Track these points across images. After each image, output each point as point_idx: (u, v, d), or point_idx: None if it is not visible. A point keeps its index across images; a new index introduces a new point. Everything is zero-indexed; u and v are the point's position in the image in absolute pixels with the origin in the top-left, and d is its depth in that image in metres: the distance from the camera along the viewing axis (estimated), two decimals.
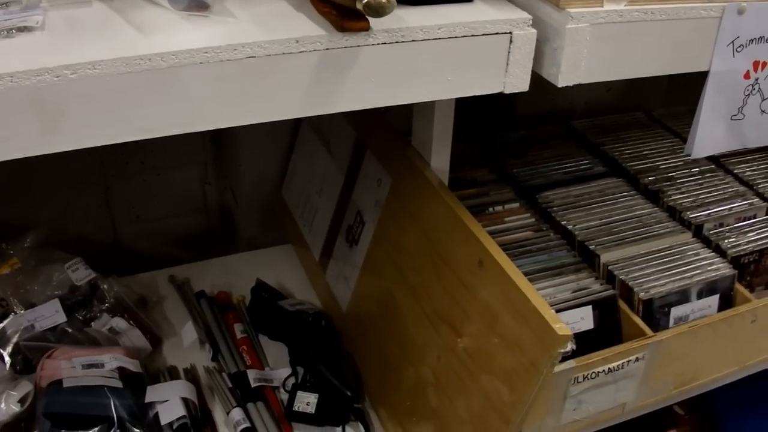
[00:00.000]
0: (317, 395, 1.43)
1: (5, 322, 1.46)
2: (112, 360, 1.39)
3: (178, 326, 1.61)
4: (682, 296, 1.35)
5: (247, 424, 1.39)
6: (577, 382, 1.19)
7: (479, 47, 0.93)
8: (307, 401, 1.42)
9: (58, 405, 1.31)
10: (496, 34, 0.94)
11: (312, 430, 1.43)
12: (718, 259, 1.41)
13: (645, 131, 1.82)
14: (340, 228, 1.56)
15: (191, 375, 1.51)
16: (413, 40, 0.89)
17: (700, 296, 1.36)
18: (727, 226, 1.51)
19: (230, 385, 1.47)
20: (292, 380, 1.49)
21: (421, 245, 1.28)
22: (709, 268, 1.39)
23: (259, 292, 1.62)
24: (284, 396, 1.47)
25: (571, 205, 1.51)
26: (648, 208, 1.52)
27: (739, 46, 1.13)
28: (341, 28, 0.85)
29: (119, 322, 1.52)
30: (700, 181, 1.62)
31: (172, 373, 1.50)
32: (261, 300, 1.61)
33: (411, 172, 1.32)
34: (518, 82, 0.98)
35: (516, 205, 1.48)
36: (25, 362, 1.42)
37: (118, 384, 1.36)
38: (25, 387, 1.35)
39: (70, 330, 1.47)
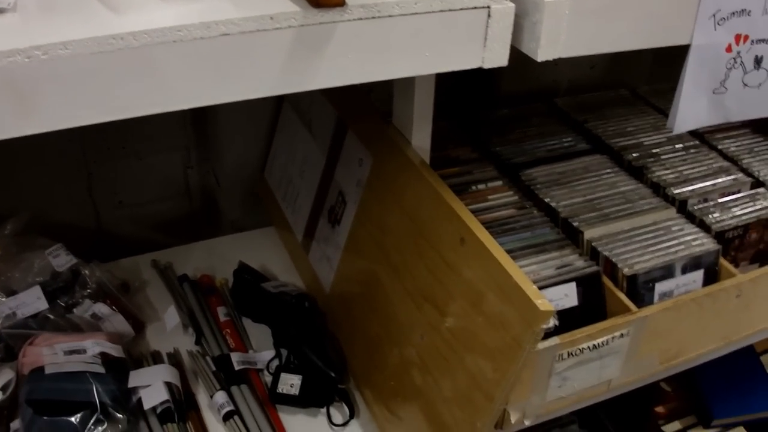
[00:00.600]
0: (301, 377, 1.42)
1: None
2: (94, 345, 1.38)
3: (161, 311, 1.61)
4: (667, 272, 1.34)
5: (231, 407, 1.39)
6: (562, 359, 1.19)
7: (457, 22, 0.92)
8: (291, 383, 1.42)
9: (41, 392, 1.31)
10: (474, 8, 0.92)
11: (296, 411, 1.43)
12: (702, 234, 1.40)
13: (629, 108, 1.81)
14: (322, 209, 1.55)
15: (175, 359, 1.51)
16: (390, 16, 0.88)
17: (684, 272, 1.36)
18: (711, 201, 1.50)
19: (214, 369, 1.47)
20: (275, 362, 1.49)
21: (403, 224, 1.27)
22: (694, 244, 1.38)
23: (242, 274, 1.61)
24: (268, 378, 1.46)
25: (555, 183, 1.50)
26: (632, 185, 1.51)
27: (721, 19, 1.12)
28: (316, 4, 0.83)
29: (101, 308, 1.51)
30: (684, 157, 1.62)
31: (156, 358, 1.50)
32: (244, 282, 1.61)
33: (392, 151, 1.31)
34: (497, 57, 0.97)
35: (499, 183, 1.48)
36: (7, 350, 1.42)
37: (101, 369, 1.35)
38: (7, 374, 1.35)
39: (51, 317, 1.47)
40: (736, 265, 1.46)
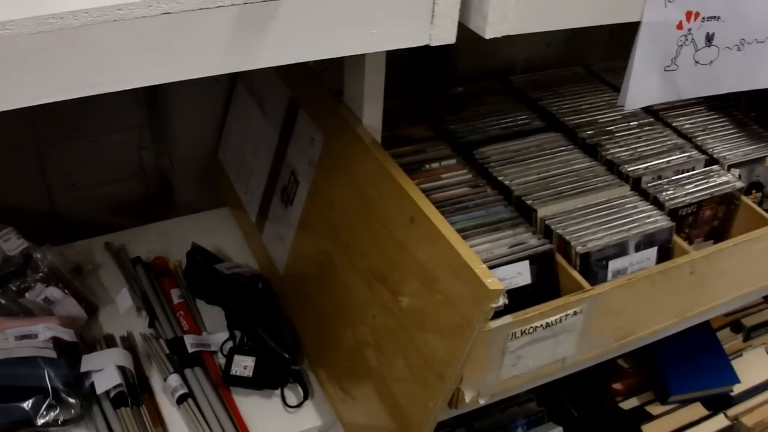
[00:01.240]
0: (254, 358, 1.41)
1: None
2: (45, 330, 1.37)
3: (114, 294, 1.59)
4: (620, 249, 1.34)
5: (185, 390, 1.38)
6: (515, 337, 1.19)
7: None
8: (244, 365, 1.41)
9: None
10: None
11: (250, 393, 1.42)
12: (656, 211, 1.41)
13: (584, 86, 1.81)
14: (275, 189, 1.54)
15: (128, 342, 1.49)
16: None
17: (638, 249, 1.36)
18: (665, 178, 1.51)
19: (167, 352, 1.46)
20: (229, 344, 1.48)
21: (354, 203, 1.27)
22: (647, 221, 1.38)
23: (195, 256, 1.60)
24: (222, 360, 1.45)
25: (509, 161, 1.50)
26: (586, 162, 1.51)
27: None
28: None
29: (54, 292, 1.50)
30: (638, 135, 1.62)
31: (109, 342, 1.48)
32: (197, 264, 1.59)
33: (343, 130, 1.30)
34: (444, 34, 0.96)
35: (453, 161, 1.47)
36: None
37: (53, 354, 1.34)
38: None
39: (3, 301, 1.45)
40: (691, 243, 1.46)
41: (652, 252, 1.38)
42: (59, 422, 1.29)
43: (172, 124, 1.78)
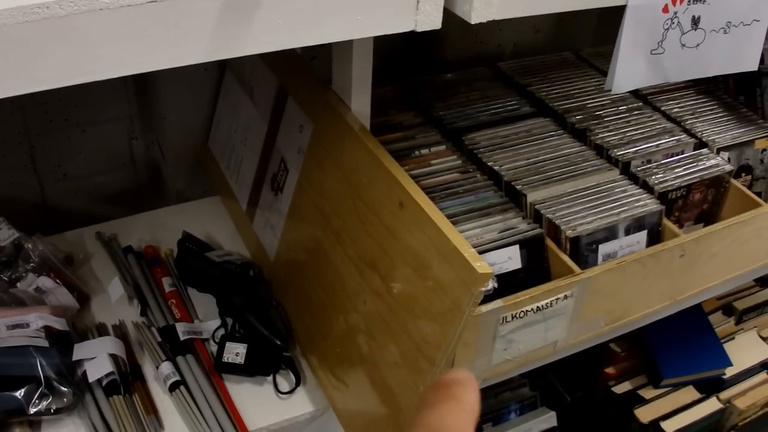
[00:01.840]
0: (246, 345, 1.42)
1: None
2: (37, 319, 1.37)
3: (106, 283, 1.59)
4: (610, 233, 1.35)
5: (177, 378, 1.38)
6: (506, 321, 1.19)
7: None
8: (236, 352, 1.41)
9: None
10: None
11: (242, 380, 1.42)
12: (645, 195, 1.41)
13: (572, 71, 1.81)
14: (265, 177, 1.55)
15: (120, 331, 1.50)
16: None
17: (628, 233, 1.36)
18: (655, 162, 1.51)
19: (159, 340, 1.46)
20: (221, 332, 1.48)
21: (343, 190, 1.27)
22: (637, 205, 1.39)
23: (186, 244, 1.60)
24: (214, 348, 1.46)
25: (498, 146, 1.50)
26: (575, 147, 1.51)
27: None
28: None
29: (45, 281, 1.50)
30: (627, 119, 1.62)
31: (101, 330, 1.49)
32: (188, 252, 1.59)
33: (332, 117, 1.30)
34: (430, 20, 0.97)
35: (442, 147, 1.47)
36: None
37: (44, 343, 1.34)
38: None
39: None
40: (681, 226, 1.47)
41: (642, 235, 1.38)
42: (52, 411, 1.29)
43: (162, 113, 1.79)
